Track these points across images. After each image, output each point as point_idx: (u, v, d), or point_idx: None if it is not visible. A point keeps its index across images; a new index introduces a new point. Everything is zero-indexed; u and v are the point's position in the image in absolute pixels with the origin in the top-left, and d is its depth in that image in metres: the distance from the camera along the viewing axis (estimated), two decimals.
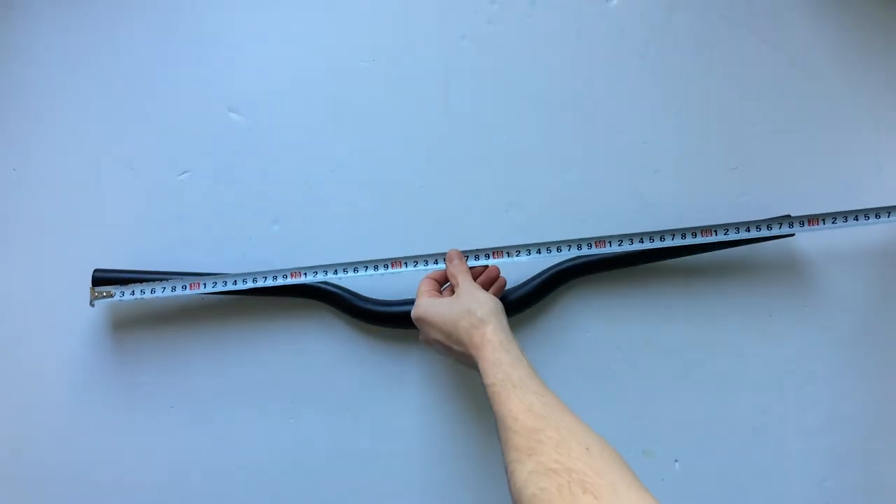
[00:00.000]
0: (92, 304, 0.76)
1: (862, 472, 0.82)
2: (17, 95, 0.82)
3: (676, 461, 0.81)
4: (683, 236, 0.76)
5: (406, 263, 0.77)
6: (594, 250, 0.77)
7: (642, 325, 0.82)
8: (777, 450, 0.81)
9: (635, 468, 0.50)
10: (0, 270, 0.81)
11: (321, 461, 0.81)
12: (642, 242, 0.76)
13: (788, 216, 0.76)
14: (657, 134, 0.83)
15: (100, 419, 0.81)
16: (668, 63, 0.84)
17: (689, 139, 0.83)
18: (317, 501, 0.81)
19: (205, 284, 0.76)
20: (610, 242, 0.76)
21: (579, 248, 0.77)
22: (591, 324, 0.82)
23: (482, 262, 0.76)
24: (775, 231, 0.75)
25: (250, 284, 0.77)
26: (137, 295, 0.76)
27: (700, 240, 0.76)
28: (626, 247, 0.76)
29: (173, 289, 0.76)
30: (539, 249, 0.76)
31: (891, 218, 0.75)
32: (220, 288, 0.77)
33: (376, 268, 0.77)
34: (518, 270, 0.79)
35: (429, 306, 0.70)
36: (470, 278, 0.73)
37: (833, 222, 0.75)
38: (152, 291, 0.76)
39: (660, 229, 0.76)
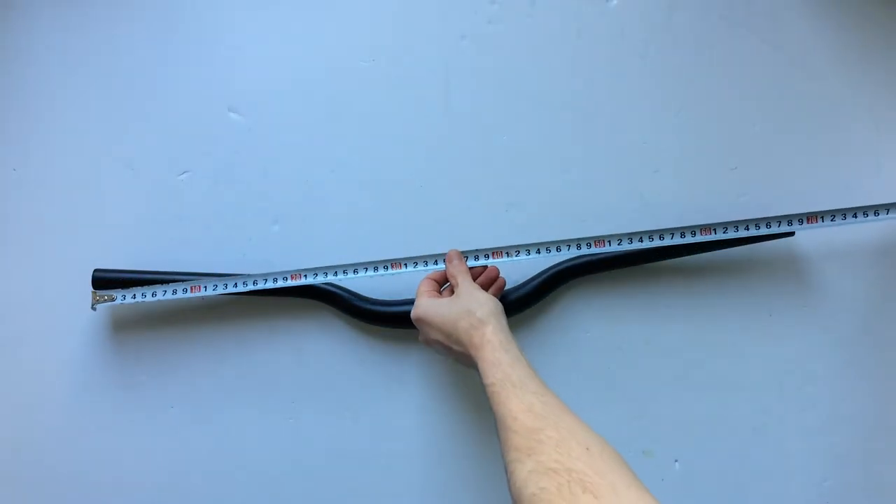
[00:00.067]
0: (93, 308, 0.76)
1: (862, 472, 0.82)
2: (17, 95, 0.82)
3: (676, 461, 0.81)
4: (683, 235, 0.76)
5: (406, 264, 0.77)
6: (594, 250, 0.77)
7: (642, 325, 0.82)
8: (777, 450, 0.81)
9: (635, 468, 0.50)
10: (0, 270, 0.81)
11: (321, 461, 0.81)
12: (642, 242, 0.76)
13: (788, 215, 0.76)
14: (657, 134, 0.83)
15: (100, 419, 0.81)
16: (668, 63, 0.84)
17: (689, 139, 0.83)
18: (317, 501, 0.81)
19: (205, 287, 0.76)
20: (610, 242, 0.76)
21: (579, 247, 0.77)
22: (591, 324, 0.82)
23: (482, 262, 0.76)
24: (775, 229, 0.75)
25: (251, 287, 0.77)
26: (139, 298, 0.76)
27: (700, 238, 0.76)
28: (626, 246, 0.76)
29: (174, 292, 0.76)
30: (539, 249, 0.76)
31: (889, 215, 0.75)
32: (220, 291, 0.77)
33: (376, 269, 0.77)
34: (518, 270, 0.79)
35: (428, 306, 0.70)
36: (470, 279, 0.73)
37: (832, 220, 0.75)
38: (153, 295, 0.76)
39: (659, 228, 0.76)
